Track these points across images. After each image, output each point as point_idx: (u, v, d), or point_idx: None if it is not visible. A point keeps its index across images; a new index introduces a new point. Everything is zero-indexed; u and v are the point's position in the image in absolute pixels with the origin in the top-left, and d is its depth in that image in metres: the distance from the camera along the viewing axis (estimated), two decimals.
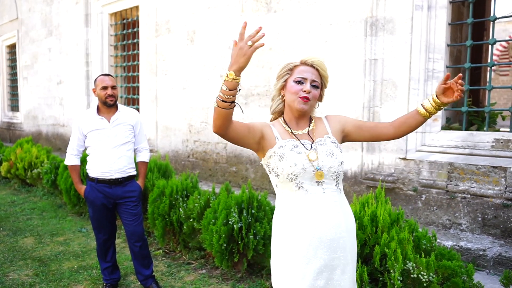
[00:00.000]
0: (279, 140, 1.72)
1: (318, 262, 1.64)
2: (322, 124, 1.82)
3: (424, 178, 4.13)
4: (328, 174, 1.68)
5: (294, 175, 1.66)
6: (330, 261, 1.65)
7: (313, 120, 1.82)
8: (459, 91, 1.63)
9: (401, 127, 1.77)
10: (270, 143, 1.71)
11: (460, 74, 1.68)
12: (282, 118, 1.80)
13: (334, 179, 1.70)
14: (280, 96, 1.80)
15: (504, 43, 19.32)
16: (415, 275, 2.13)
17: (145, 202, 4.36)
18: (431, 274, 2.15)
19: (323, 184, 1.68)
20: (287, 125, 1.77)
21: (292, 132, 1.75)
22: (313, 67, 1.74)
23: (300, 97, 1.69)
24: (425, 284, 2.13)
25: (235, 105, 1.56)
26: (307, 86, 1.70)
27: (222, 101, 1.51)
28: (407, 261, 2.18)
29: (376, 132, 1.80)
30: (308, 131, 1.77)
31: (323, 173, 1.67)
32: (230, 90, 1.50)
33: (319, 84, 1.75)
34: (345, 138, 1.83)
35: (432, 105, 1.70)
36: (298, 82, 1.71)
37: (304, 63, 1.74)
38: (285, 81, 1.76)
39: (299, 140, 1.73)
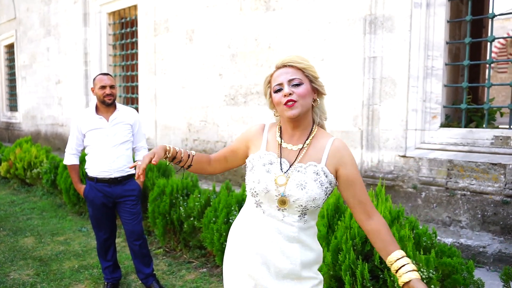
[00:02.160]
0: (260, 150, 1.58)
1: (251, 283, 1.54)
2: (322, 145, 1.55)
3: (423, 176, 4.14)
4: (293, 205, 1.47)
5: (255, 192, 1.52)
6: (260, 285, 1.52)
7: (314, 133, 1.58)
8: None
9: (370, 237, 1.53)
10: (254, 150, 1.62)
11: None
12: (278, 125, 1.63)
13: (299, 211, 1.48)
14: (275, 111, 1.64)
15: (502, 40, 19.35)
16: None
17: (146, 201, 4.36)
18: (431, 271, 2.16)
19: (284, 211, 1.49)
20: (280, 134, 1.60)
21: (281, 144, 1.57)
22: (286, 66, 1.54)
23: (285, 104, 1.49)
24: (425, 281, 2.14)
25: (190, 166, 1.66)
26: (285, 89, 1.49)
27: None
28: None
29: (353, 212, 1.57)
30: (301, 148, 1.55)
31: (287, 201, 1.47)
32: (173, 162, 1.62)
33: (302, 80, 1.51)
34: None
35: (394, 270, 1.44)
36: (278, 91, 1.52)
37: (277, 68, 1.57)
38: (270, 95, 1.59)
39: (280, 157, 1.54)
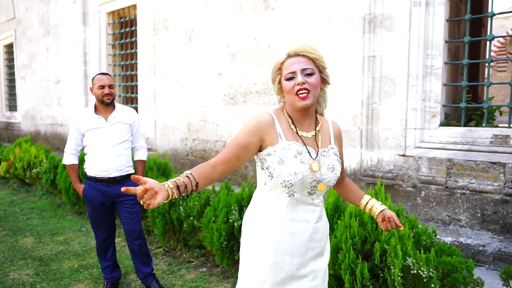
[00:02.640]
0: (282, 140, 1.58)
1: (289, 269, 1.61)
2: (327, 129, 1.71)
3: (423, 175, 4.14)
4: (325, 187, 1.61)
5: (291, 183, 1.56)
6: (304, 270, 1.62)
7: (319, 122, 1.69)
8: (390, 227, 1.72)
9: (343, 192, 1.86)
10: (271, 142, 1.59)
11: (401, 226, 1.73)
12: (286, 111, 1.65)
13: (325, 192, 1.64)
14: (281, 98, 1.68)
15: (501, 39, 19.34)
16: (415, 271, 2.14)
17: None
18: (431, 270, 2.16)
19: (314, 195, 1.62)
20: (292, 122, 1.64)
21: (297, 132, 1.62)
22: (299, 55, 1.58)
23: (296, 94, 1.55)
24: (425, 280, 2.14)
25: (196, 189, 1.50)
26: (298, 78, 1.54)
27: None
28: (407, 257, 2.19)
29: None
30: (315, 134, 1.65)
31: (325, 185, 1.59)
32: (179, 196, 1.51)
33: (313, 69, 1.57)
34: None
35: (368, 210, 1.80)
36: (290, 79, 1.56)
37: (289, 56, 1.60)
38: (279, 82, 1.63)
39: (305, 145, 1.61)
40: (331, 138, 1.69)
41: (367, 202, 1.79)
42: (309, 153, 1.59)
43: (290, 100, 1.60)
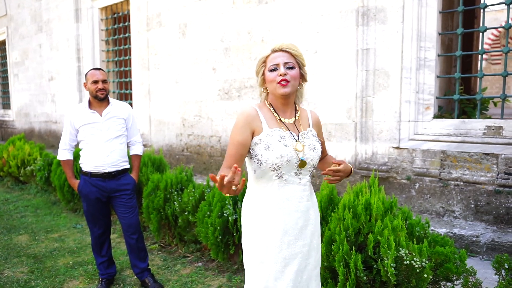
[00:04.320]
0: (265, 128, 1.76)
1: (292, 248, 1.75)
2: (306, 116, 1.91)
3: (417, 167, 4.16)
4: (308, 166, 1.79)
5: (278, 166, 1.72)
6: (302, 247, 1.77)
7: (299, 110, 1.89)
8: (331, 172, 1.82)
9: (321, 166, 2.03)
10: (258, 132, 1.76)
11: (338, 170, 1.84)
12: (268, 102, 1.84)
13: (310, 171, 1.83)
14: (263, 89, 1.85)
15: (495, 32, 19.38)
16: (408, 262, 2.15)
17: (140, 196, 4.35)
18: (424, 260, 2.17)
19: (301, 175, 1.79)
20: (274, 110, 1.82)
21: (280, 119, 1.80)
22: (283, 50, 1.79)
23: (278, 82, 1.74)
24: (418, 270, 2.15)
25: (238, 184, 1.53)
26: (281, 69, 1.74)
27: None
28: (400, 248, 2.20)
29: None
30: (295, 120, 1.84)
31: (306, 163, 1.76)
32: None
33: (294, 64, 1.78)
34: None
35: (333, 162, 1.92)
36: (273, 70, 1.76)
37: (274, 51, 1.81)
38: (263, 74, 1.82)
39: (288, 129, 1.79)
40: (310, 123, 1.90)
41: (335, 157, 1.93)
42: (292, 135, 1.79)
43: (272, 89, 1.78)
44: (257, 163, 1.75)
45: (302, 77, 1.84)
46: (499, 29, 20.17)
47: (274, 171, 1.74)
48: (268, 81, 1.78)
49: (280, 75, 1.74)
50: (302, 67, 1.83)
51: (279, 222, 1.75)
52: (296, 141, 1.78)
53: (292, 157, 1.74)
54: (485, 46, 18.41)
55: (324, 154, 2.05)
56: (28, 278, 3.49)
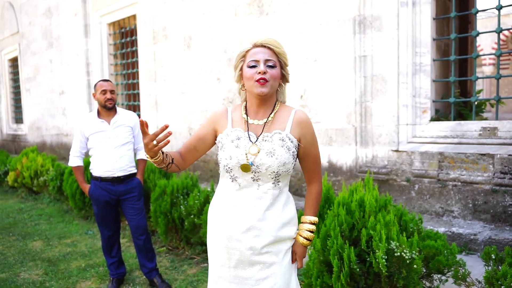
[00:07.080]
0: (228, 127, 1.68)
1: (240, 253, 1.65)
2: (285, 116, 1.68)
3: (416, 169, 4.27)
4: (266, 173, 1.60)
5: (229, 168, 1.63)
6: (253, 255, 1.64)
7: (277, 109, 1.70)
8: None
9: (305, 197, 1.84)
10: (221, 131, 1.71)
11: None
12: (245, 103, 1.73)
13: (272, 178, 1.62)
14: (241, 86, 1.71)
15: (502, 36, 19.46)
16: (398, 253, 2.27)
17: (148, 201, 4.52)
18: (414, 251, 2.29)
19: (260, 181, 1.63)
20: (245, 111, 1.71)
21: (247, 120, 1.68)
22: (265, 46, 1.64)
23: (256, 81, 1.59)
24: (408, 261, 2.27)
25: (172, 163, 1.63)
26: (261, 67, 1.59)
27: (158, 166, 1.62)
28: (391, 241, 2.32)
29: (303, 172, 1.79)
30: (265, 122, 1.67)
31: (249, 168, 1.59)
32: (157, 163, 1.59)
33: (276, 63, 1.63)
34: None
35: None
36: (252, 67, 1.61)
37: (255, 46, 1.66)
38: (241, 69, 1.68)
39: (247, 131, 1.66)
40: (287, 125, 1.66)
41: (303, 223, 1.76)
42: (249, 137, 1.64)
43: (249, 87, 1.64)
44: (219, 162, 1.69)
45: (284, 78, 1.70)
46: (506, 34, 20.23)
47: (227, 172, 1.65)
48: (246, 78, 1.63)
49: (259, 73, 1.58)
50: (285, 67, 1.68)
51: (230, 227, 1.66)
52: (253, 143, 1.62)
53: (243, 160, 1.60)
54: (492, 51, 18.47)
55: (309, 167, 1.74)
56: (43, 279, 3.66)
